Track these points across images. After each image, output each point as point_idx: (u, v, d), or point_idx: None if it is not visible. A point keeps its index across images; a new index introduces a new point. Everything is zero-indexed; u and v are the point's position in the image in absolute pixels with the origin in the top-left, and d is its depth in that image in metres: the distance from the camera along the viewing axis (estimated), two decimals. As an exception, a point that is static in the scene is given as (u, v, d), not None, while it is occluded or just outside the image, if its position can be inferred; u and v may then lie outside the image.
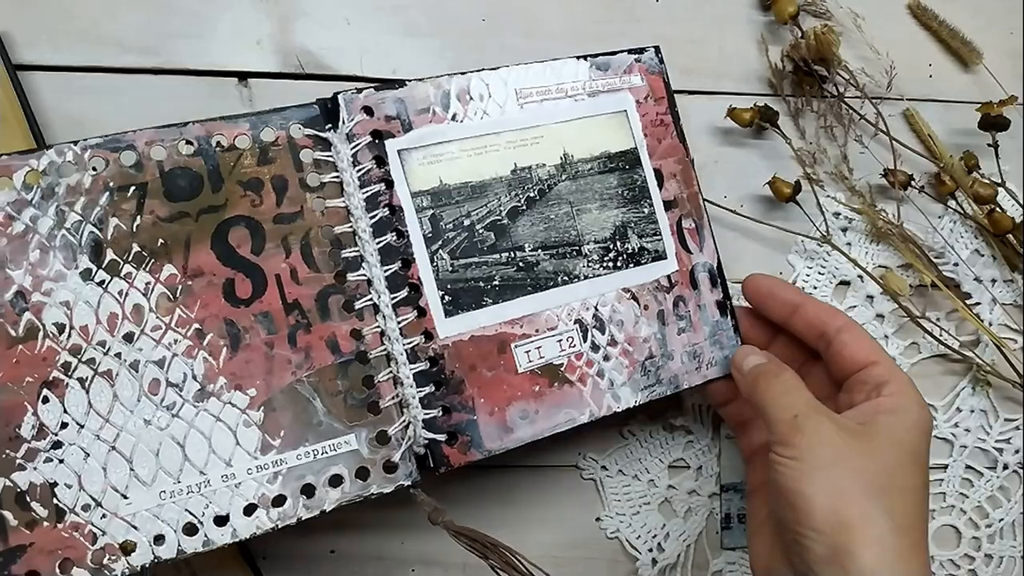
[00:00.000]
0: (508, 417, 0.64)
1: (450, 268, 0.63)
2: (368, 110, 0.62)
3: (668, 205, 0.71)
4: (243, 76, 0.74)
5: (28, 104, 0.67)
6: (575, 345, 0.67)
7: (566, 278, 0.67)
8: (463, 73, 0.65)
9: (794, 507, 0.58)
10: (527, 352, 0.65)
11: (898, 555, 0.56)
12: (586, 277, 0.67)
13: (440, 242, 0.63)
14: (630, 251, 0.69)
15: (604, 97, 0.69)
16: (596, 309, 0.67)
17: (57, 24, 0.71)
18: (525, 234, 0.66)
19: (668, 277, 0.70)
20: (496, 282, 0.65)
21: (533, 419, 0.65)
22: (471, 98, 0.65)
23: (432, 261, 0.63)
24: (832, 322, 0.69)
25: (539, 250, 0.66)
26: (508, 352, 0.64)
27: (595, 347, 0.67)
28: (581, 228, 0.68)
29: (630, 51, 0.71)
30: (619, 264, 0.68)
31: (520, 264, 0.66)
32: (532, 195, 0.66)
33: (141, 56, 0.72)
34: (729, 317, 0.72)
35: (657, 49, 0.71)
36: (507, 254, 0.65)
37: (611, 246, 0.68)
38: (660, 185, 0.70)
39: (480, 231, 0.65)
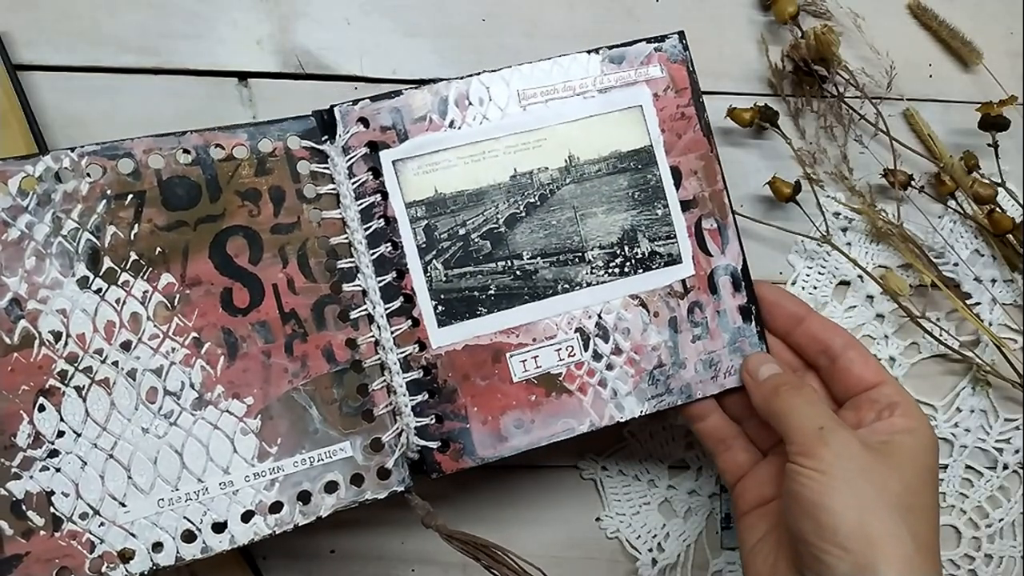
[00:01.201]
0: (502, 426, 0.64)
1: (444, 278, 0.63)
2: (364, 121, 0.62)
3: (686, 205, 0.67)
4: (243, 76, 0.74)
5: (28, 104, 0.68)
6: (575, 354, 0.65)
7: (567, 286, 0.65)
8: (462, 77, 0.64)
9: (818, 521, 0.57)
10: (523, 362, 0.64)
11: (923, 575, 0.56)
12: (588, 284, 0.66)
13: (434, 252, 0.63)
14: (639, 256, 0.66)
15: (617, 92, 0.66)
16: (600, 317, 0.66)
17: (57, 24, 0.71)
18: (523, 242, 0.65)
19: (683, 282, 0.67)
20: (491, 291, 0.64)
21: (528, 428, 0.64)
22: (470, 103, 0.64)
23: (425, 271, 0.63)
24: (837, 339, 0.68)
25: (538, 258, 0.65)
26: (503, 361, 0.64)
27: (597, 356, 0.66)
28: (585, 234, 0.66)
29: (649, 40, 0.67)
30: (626, 270, 0.66)
31: (517, 272, 0.65)
32: (532, 201, 0.65)
33: (141, 56, 0.72)
34: (753, 323, 0.69)
35: (681, 35, 0.68)
36: (503, 263, 0.64)
37: (618, 251, 0.66)
38: (677, 184, 0.67)
39: (475, 240, 0.64)
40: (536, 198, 0.65)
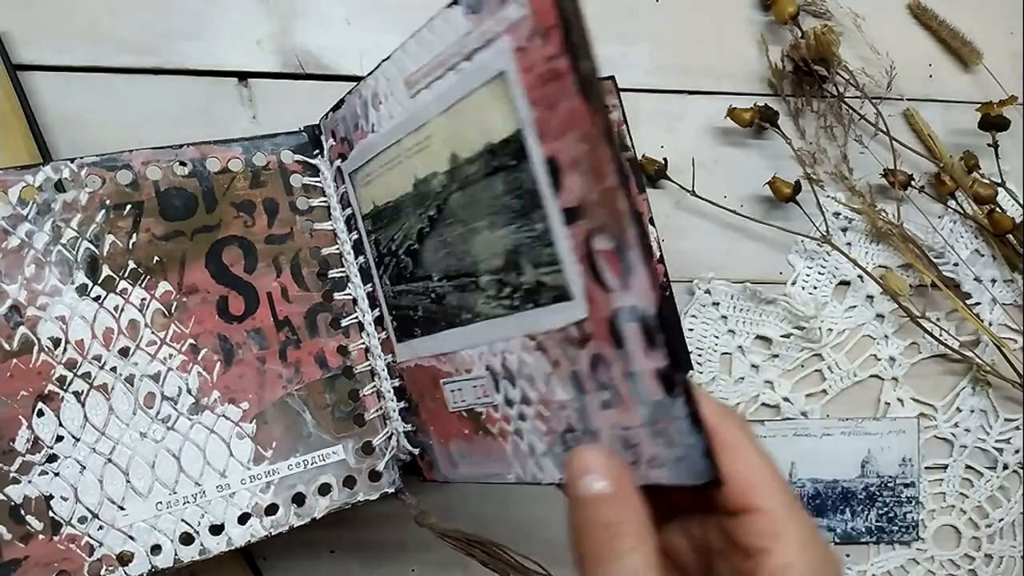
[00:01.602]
0: (452, 451, 0.59)
1: (392, 294, 0.60)
2: (333, 133, 0.61)
3: (572, 215, 0.42)
4: (243, 76, 0.74)
5: (28, 104, 0.68)
6: (488, 395, 0.53)
7: (468, 315, 0.52)
8: (373, 71, 0.54)
9: None
10: (452, 392, 0.56)
11: None
12: (486, 317, 0.51)
13: (382, 267, 0.60)
14: (526, 286, 0.47)
15: (480, 56, 0.45)
16: (504, 356, 0.50)
17: (57, 24, 0.71)
18: (431, 261, 0.54)
19: (577, 326, 0.44)
20: (420, 313, 0.57)
21: (469, 461, 0.57)
22: (380, 101, 0.54)
23: (381, 285, 0.61)
24: (717, 429, 0.41)
25: (444, 280, 0.53)
26: (440, 387, 0.57)
27: (508, 402, 0.51)
28: (476, 254, 0.50)
29: None
30: (515, 303, 0.48)
31: (432, 295, 0.55)
32: (432, 214, 0.52)
33: (141, 56, 0.72)
34: (682, 400, 0.40)
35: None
36: (421, 283, 0.56)
37: (503, 279, 0.48)
38: (557, 184, 0.43)
39: (402, 257, 0.57)
40: (435, 210, 0.52)
